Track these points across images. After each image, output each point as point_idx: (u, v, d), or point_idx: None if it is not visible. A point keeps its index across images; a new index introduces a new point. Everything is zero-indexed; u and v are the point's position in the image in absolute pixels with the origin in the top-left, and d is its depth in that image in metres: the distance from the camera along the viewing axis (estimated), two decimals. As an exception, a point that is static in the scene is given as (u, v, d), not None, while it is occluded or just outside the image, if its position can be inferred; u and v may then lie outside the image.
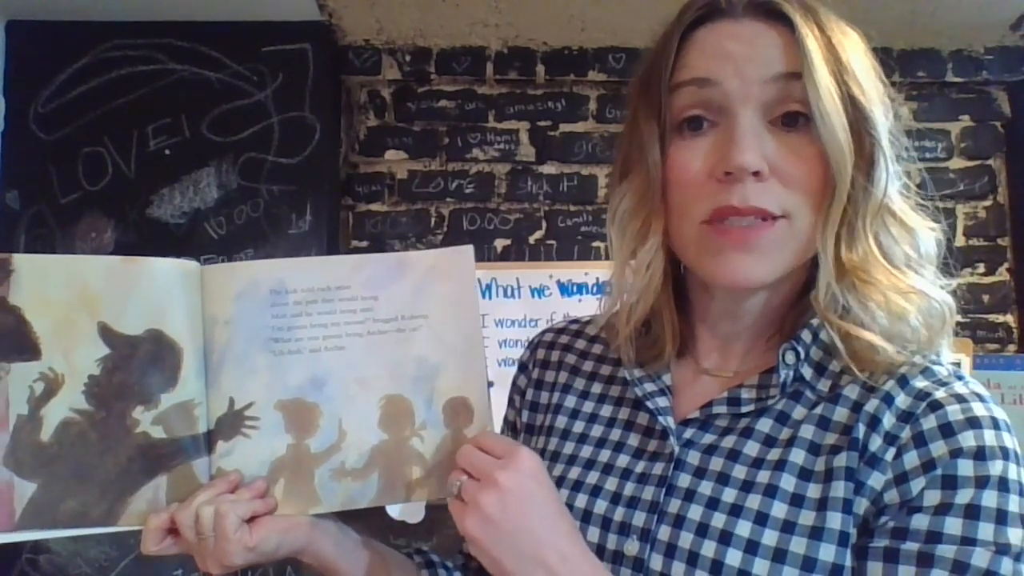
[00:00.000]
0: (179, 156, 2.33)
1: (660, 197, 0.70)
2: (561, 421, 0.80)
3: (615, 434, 0.76)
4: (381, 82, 2.54)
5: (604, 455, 0.74)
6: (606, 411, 0.78)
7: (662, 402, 0.73)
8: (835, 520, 0.62)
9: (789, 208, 0.65)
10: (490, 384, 2.53)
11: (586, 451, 0.76)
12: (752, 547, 0.63)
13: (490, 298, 2.49)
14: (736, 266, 0.66)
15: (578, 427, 0.78)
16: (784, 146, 0.65)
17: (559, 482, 0.74)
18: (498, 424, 0.82)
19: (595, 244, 2.56)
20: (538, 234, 2.56)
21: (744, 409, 0.70)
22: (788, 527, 0.63)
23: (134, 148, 2.33)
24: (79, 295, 0.71)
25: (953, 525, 0.60)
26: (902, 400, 0.65)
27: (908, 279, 0.66)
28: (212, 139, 2.34)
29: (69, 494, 0.70)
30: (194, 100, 2.33)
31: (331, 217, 2.40)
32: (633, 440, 0.74)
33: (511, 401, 0.89)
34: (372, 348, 0.75)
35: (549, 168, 2.56)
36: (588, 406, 0.79)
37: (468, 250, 0.76)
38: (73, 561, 2.22)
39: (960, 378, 0.67)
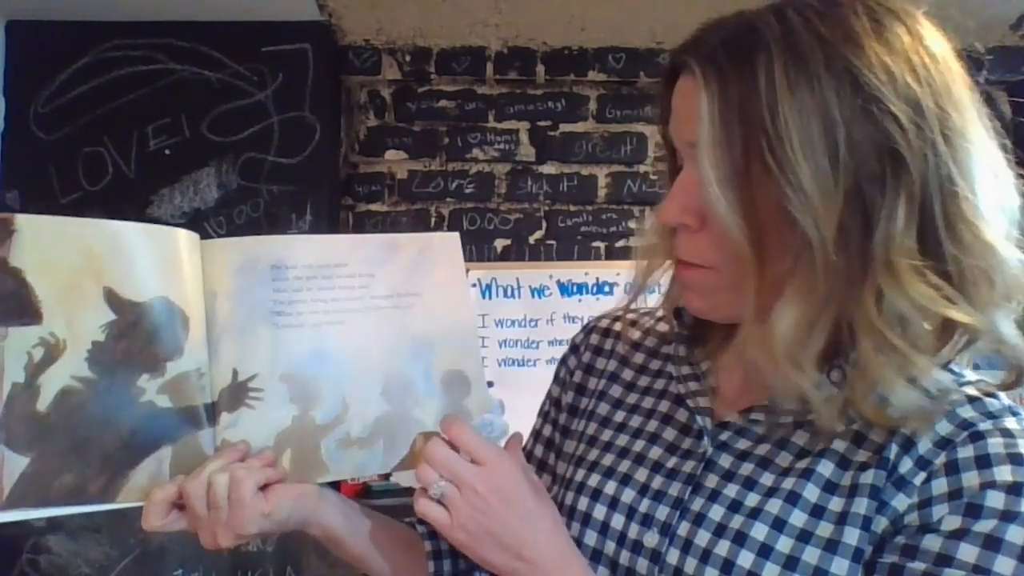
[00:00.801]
0: (179, 156, 2.33)
1: None
2: (603, 408, 0.81)
3: (652, 426, 0.76)
4: (381, 82, 2.54)
5: (638, 445, 0.75)
6: (647, 403, 0.78)
7: (703, 402, 0.73)
8: (852, 536, 0.61)
9: (714, 261, 0.65)
10: (489, 384, 2.53)
11: (622, 440, 0.76)
12: (765, 551, 0.62)
13: (490, 298, 2.49)
14: (686, 300, 0.71)
15: (618, 416, 0.79)
16: None
17: (592, 467, 0.76)
18: (525, 428, 0.84)
19: (595, 244, 2.56)
20: (538, 234, 2.56)
21: (783, 420, 0.68)
22: (804, 536, 0.62)
23: (134, 148, 2.33)
24: (85, 259, 0.68)
25: (967, 552, 0.56)
26: (943, 427, 0.62)
27: (793, 371, 0.60)
28: (212, 139, 2.34)
29: (65, 468, 0.66)
30: (194, 100, 2.34)
31: (331, 217, 2.40)
32: (668, 435, 0.74)
33: (557, 378, 0.90)
34: (371, 323, 0.76)
35: (549, 168, 2.56)
36: (632, 397, 0.80)
37: (455, 236, 0.80)
38: (73, 561, 2.21)
39: (1015, 414, 0.62)
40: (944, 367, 0.61)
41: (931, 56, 0.59)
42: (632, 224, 2.56)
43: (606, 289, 2.50)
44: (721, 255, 0.63)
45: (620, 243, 2.56)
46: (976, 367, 0.66)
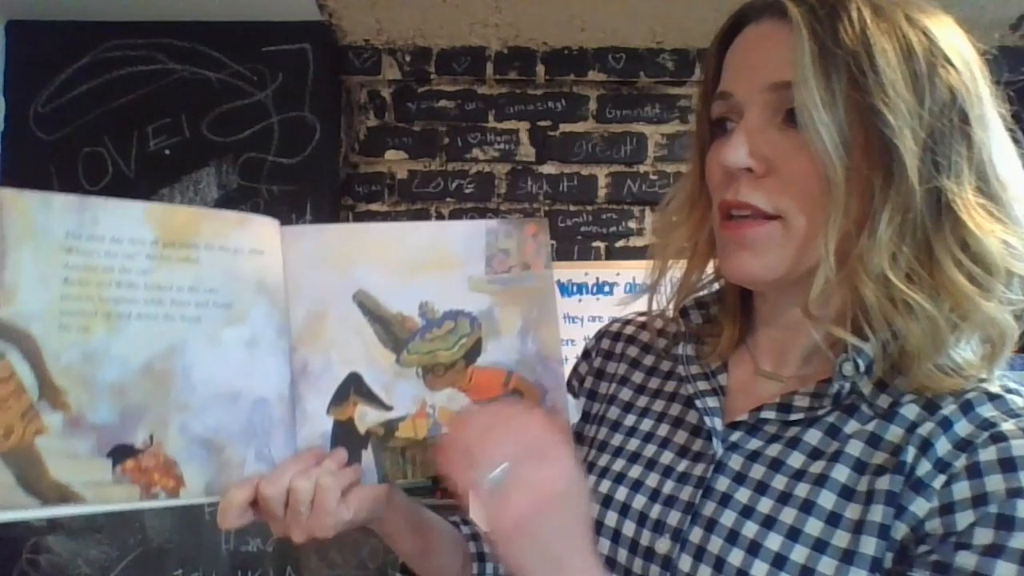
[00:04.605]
0: (179, 156, 2.33)
1: (699, 191, 0.73)
2: (614, 412, 0.80)
3: (663, 430, 0.75)
4: (381, 82, 2.54)
5: (649, 450, 0.74)
6: (658, 406, 0.77)
7: (712, 402, 0.72)
8: (869, 545, 0.59)
9: (783, 208, 0.64)
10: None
11: (632, 444, 0.75)
12: (780, 561, 0.61)
13: (490, 298, 2.49)
14: (735, 262, 0.68)
15: (629, 420, 0.78)
16: (787, 144, 0.64)
17: (603, 472, 0.75)
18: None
19: (595, 244, 2.56)
20: (538, 234, 2.56)
21: (794, 417, 0.67)
22: (820, 546, 0.60)
23: (134, 148, 2.33)
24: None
25: (1005, 570, 0.54)
26: (962, 427, 0.60)
27: (922, 298, 0.60)
28: (212, 139, 2.34)
29: None
30: (194, 100, 2.34)
31: (331, 217, 2.40)
32: (679, 438, 0.73)
33: (570, 387, 0.88)
34: None
35: (549, 168, 2.56)
36: (642, 400, 0.79)
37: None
38: (73, 561, 2.22)
39: None
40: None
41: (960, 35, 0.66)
42: (632, 224, 2.56)
43: (606, 289, 2.50)
44: (790, 199, 0.64)
45: (620, 243, 2.56)
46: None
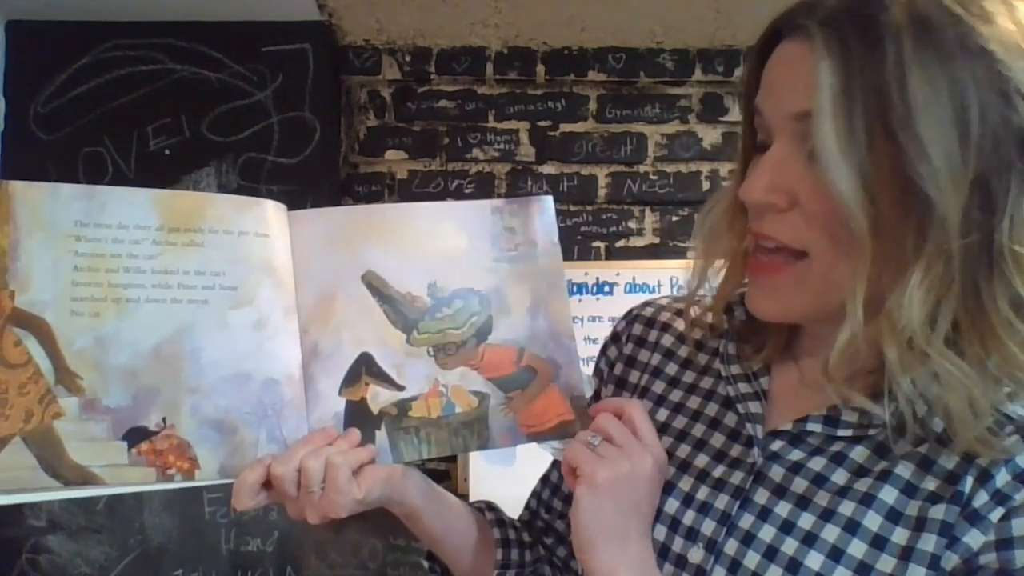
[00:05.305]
0: (179, 156, 2.33)
1: (741, 204, 0.67)
2: (645, 406, 0.75)
3: (698, 430, 0.72)
4: (381, 82, 2.54)
5: (683, 451, 0.71)
6: (693, 403, 0.74)
7: (754, 407, 0.69)
8: (917, 574, 0.56)
9: (808, 243, 0.60)
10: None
11: (665, 443, 0.71)
12: None
13: (490, 298, 2.48)
14: (756, 301, 0.66)
15: (661, 415, 0.75)
16: (812, 180, 0.58)
17: None
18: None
19: (595, 244, 2.56)
20: (538, 234, 2.56)
21: (841, 432, 0.63)
22: (863, 569, 0.58)
23: (134, 148, 2.33)
24: None
25: None
26: None
27: (956, 367, 0.55)
28: (212, 139, 2.33)
29: None
30: (194, 100, 2.33)
31: (331, 217, 2.39)
32: (716, 441, 0.70)
33: (597, 370, 0.86)
34: None
35: (549, 168, 2.56)
36: (676, 395, 0.76)
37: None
38: (73, 561, 2.21)
39: None
40: None
41: None
42: (632, 224, 2.56)
43: (606, 289, 2.50)
44: (815, 236, 0.59)
45: (620, 243, 2.56)
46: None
